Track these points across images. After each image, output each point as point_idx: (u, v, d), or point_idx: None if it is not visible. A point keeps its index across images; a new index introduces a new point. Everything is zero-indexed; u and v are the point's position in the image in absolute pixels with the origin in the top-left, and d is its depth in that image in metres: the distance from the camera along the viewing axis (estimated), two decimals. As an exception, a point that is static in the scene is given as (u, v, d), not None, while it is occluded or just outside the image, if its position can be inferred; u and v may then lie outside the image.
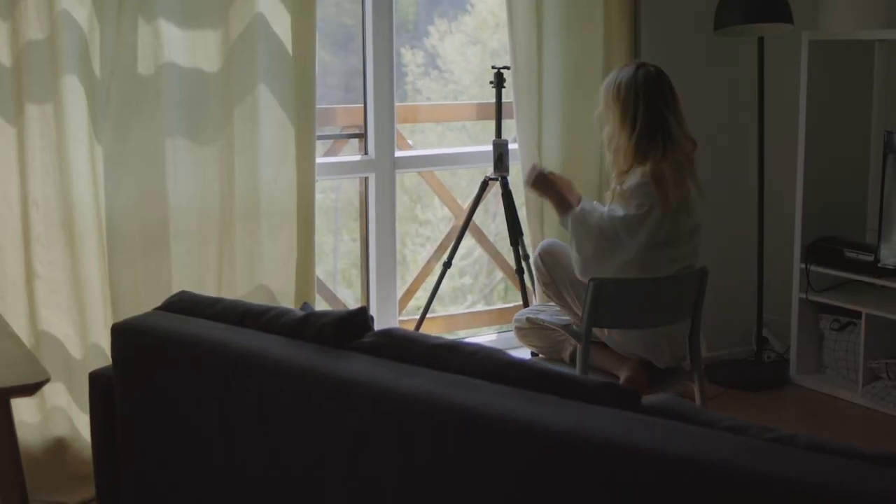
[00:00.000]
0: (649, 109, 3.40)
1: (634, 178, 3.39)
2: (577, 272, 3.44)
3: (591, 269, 3.39)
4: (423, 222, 4.86)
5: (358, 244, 4.62)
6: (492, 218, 4.83)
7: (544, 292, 3.74)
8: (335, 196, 4.57)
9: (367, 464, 2.07)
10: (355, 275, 4.66)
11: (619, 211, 3.39)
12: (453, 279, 4.24)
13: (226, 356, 2.31)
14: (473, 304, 4.91)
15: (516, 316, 3.79)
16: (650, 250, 3.37)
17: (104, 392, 2.57)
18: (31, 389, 2.28)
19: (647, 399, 1.97)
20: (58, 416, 3.48)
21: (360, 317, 2.31)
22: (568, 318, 3.57)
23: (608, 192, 3.56)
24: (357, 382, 2.09)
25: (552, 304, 3.70)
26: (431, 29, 4.74)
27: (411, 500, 2.02)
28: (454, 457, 1.95)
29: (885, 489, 1.55)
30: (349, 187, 4.55)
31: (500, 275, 5.00)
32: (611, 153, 3.51)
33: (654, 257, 3.38)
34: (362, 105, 4.20)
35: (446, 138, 4.98)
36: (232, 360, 2.29)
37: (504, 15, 4.16)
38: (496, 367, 2.07)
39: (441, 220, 4.93)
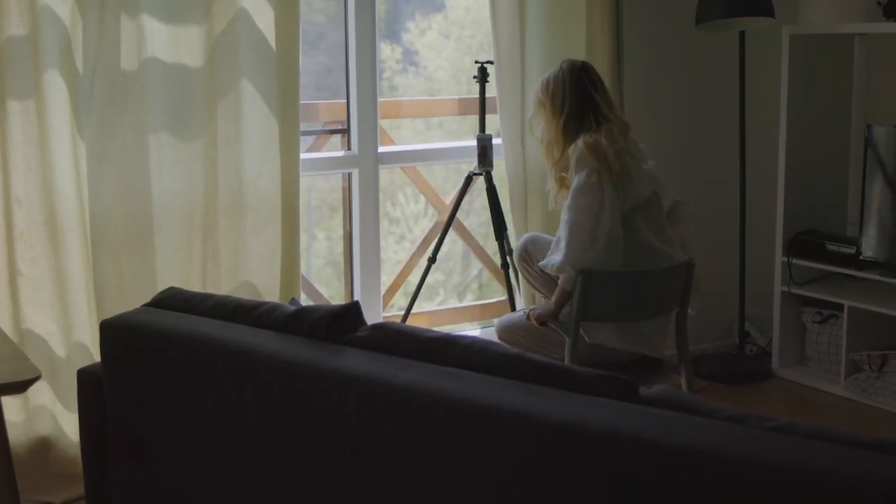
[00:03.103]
0: (577, 93, 3.50)
1: (572, 156, 3.43)
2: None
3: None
4: (393, 220, 4.84)
5: (329, 243, 4.60)
6: (465, 215, 4.82)
7: (530, 283, 3.74)
8: (309, 195, 4.55)
9: (364, 458, 2.06)
10: (330, 273, 4.64)
11: (565, 214, 3.41)
12: (417, 275, 4.23)
13: (219, 352, 2.29)
14: (445, 300, 4.90)
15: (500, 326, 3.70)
16: (623, 223, 3.37)
17: (93, 389, 2.54)
18: (21, 387, 2.25)
19: (646, 390, 1.97)
20: (42, 415, 3.44)
21: (354, 311, 2.30)
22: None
23: (548, 188, 3.63)
24: (353, 376, 2.07)
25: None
26: (411, 25, 4.72)
27: (408, 494, 2.01)
28: (452, 450, 1.94)
29: (889, 476, 1.55)
30: (322, 185, 4.53)
31: (474, 272, 4.99)
32: (544, 148, 3.59)
33: (632, 235, 3.40)
34: (344, 101, 4.19)
35: (422, 136, 4.96)
36: (225, 356, 2.28)
37: (482, 11, 4.15)
38: (493, 360, 2.07)
39: (410, 217, 4.92)
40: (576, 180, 3.36)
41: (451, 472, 1.95)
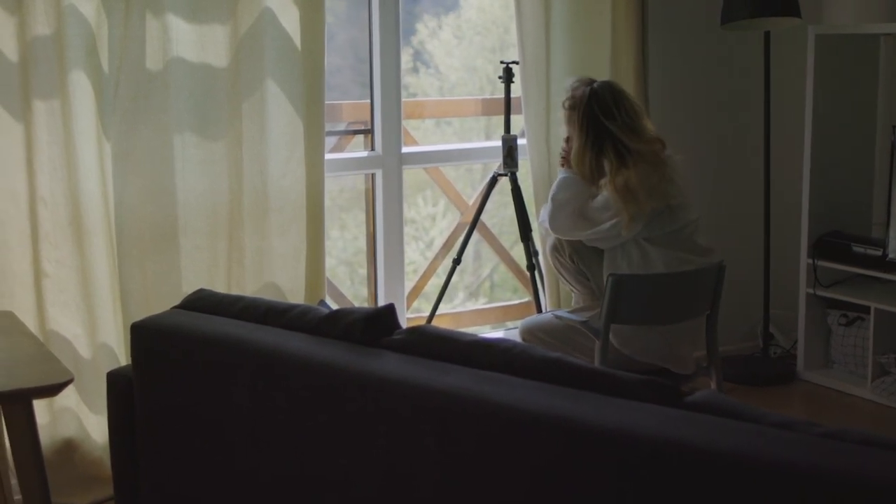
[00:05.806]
0: (591, 124, 3.50)
1: (601, 196, 3.47)
2: (546, 216, 3.63)
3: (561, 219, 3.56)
4: (408, 221, 4.82)
5: (343, 243, 4.57)
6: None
7: (562, 275, 3.72)
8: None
9: (402, 463, 2.03)
10: (343, 274, 4.61)
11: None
12: (439, 277, 4.19)
13: (251, 355, 2.27)
14: (464, 302, 4.87)
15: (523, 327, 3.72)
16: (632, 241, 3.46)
17: (122, 392, 2.52)
18: (54, 390, 2.22)
19: (690, 396, 1.94)
20: (66, 416, 3.42)
21: (389, 314, 2.28)
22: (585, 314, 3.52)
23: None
24: (391, 380, 2.05)
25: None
26: (419, 26, 4.69)
27: (448, 499, 1.98)
28: (492, 455, 1.91)
29: (948, 485, 1.52)
30: (332, 186, 4.50)
31: (486, 271, 4.96)
32: (574, 157, 3.59)
33: (642, 253, 3.44)
34: (367, 101, 4.16)
35: (433, 137, 4.92)
36: (258, 359, 2.25)
37: (496, 12, 4.12)
38: (532, 364, 2.03)
39: (426, 219, 4.89)
40: (601, 214, 3.47)
41: (492, 477, 1.92)
